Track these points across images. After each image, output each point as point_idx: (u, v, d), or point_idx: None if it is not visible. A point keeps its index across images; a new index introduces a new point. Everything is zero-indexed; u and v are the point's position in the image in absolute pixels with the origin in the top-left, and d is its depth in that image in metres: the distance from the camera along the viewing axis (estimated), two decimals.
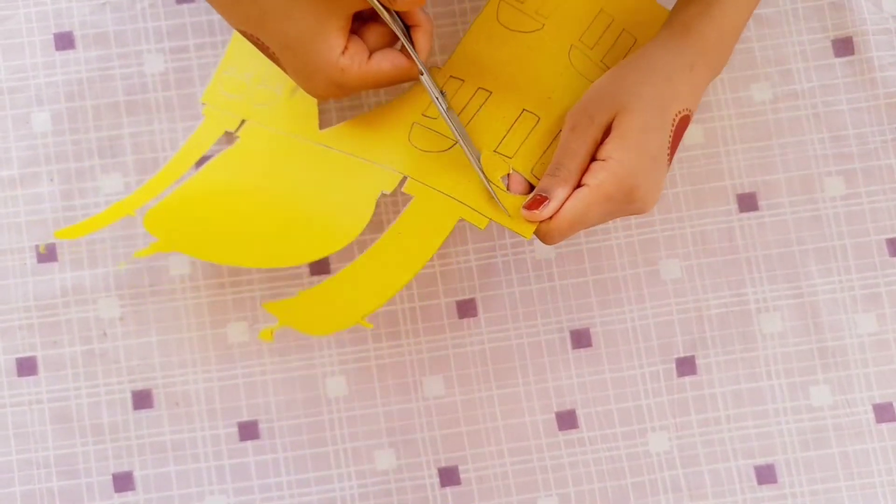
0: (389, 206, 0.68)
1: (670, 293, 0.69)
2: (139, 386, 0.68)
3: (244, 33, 0.57)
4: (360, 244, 0.63)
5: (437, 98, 0.57)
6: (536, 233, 0.56)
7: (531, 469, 0.68)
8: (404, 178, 0.60)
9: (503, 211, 0.57)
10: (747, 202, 0.70)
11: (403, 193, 0.61)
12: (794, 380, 0.68)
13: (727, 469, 0.68)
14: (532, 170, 0.59)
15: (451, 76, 0.62)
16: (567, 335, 0.69)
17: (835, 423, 0.68)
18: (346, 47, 0.55)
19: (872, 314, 0.69)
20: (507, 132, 0.59)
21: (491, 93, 0.61)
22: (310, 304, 0.61)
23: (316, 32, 0.54)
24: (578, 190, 0.55)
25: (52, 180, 0.69)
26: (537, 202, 0.55)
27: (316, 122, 0.65)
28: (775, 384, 0.68)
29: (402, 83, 0.58)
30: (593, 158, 0.55)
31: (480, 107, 0.60)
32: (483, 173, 0.57)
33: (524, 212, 0.56)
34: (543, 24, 0.64)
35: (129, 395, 0.68)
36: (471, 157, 0.57)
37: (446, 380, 0.69)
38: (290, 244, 0.62)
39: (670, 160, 0.57)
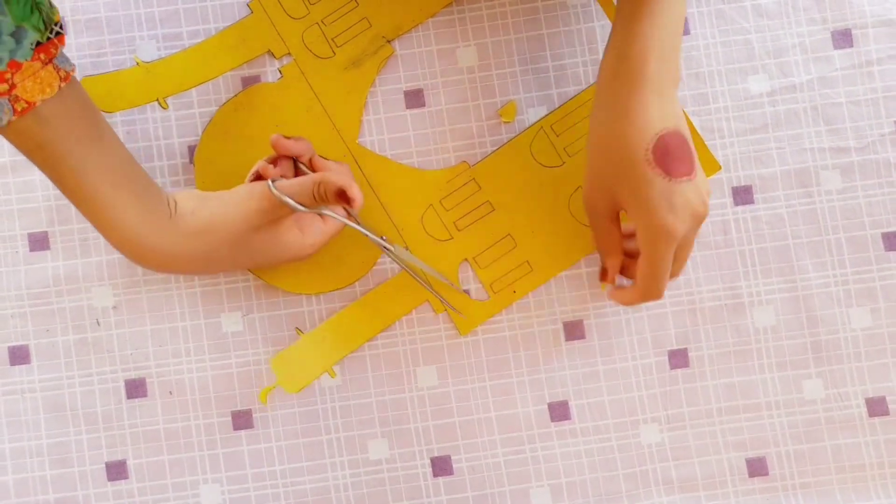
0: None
1: None
2: (133, 375, 0.68)
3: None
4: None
5: (386, 249, 0.66)
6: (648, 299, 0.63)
7: (523, 459, 0.68)
8: (405, 248, 0.69)
9: (460, 308, 0.69)
10: (743, 195, 0.69)
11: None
12: (786, 373, 0.69)
13: (718, 461, 0.68)
14: (491, 284, 0.69)
15: (473, 178, 0.69)
16: (560, 327, 0.69)
17: (827, 417, 0.68)
18: (302, 233, 0.64)
19: (867, 308, 0.69)
20: (488, 248, 0.69)
21: (493, 210, 0.69)
22: (292, 358, 0.68)
23: (279, 250, 0.63)
24: (639, 263, 0.60)
25: None
26: (603, 272, 0.66)
27: (358, 126, 0.69)
28: (768, 377, 0.69)
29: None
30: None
31: (480, 218, 0.69)
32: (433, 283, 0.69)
33: (608, 287, 0.65)
34: (564, 163, 0.69)
35: (122, 384, 0.68)
36: (426, 287, 0.68)
37: (440, 370, 0.69)
38: (301, 270, 0.69)
39: (675, 173, 0.58)
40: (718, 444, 0.68)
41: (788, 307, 0.69)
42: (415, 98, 0.70)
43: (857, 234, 0.69)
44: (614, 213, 0.62)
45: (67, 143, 0.57)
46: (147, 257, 0.60)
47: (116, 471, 0.68)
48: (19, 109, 0.55)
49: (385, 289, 0.69)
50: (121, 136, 0.69)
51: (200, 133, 0.69)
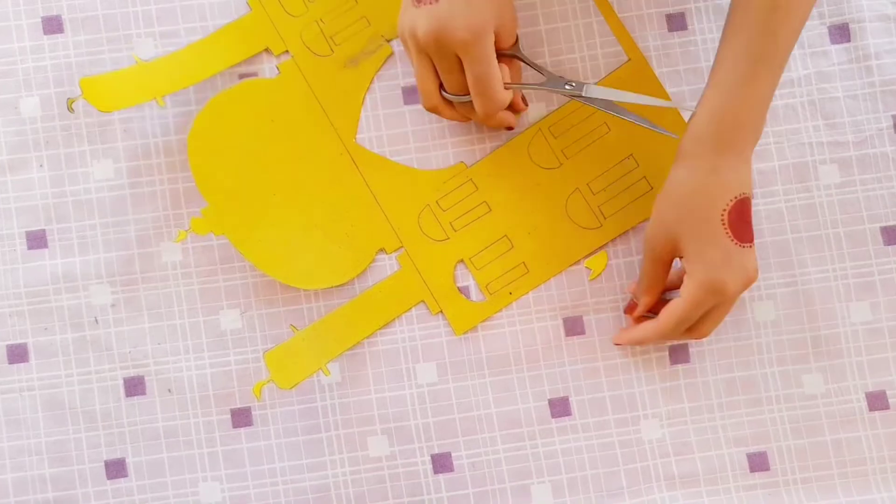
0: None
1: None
2: (131, 373, 0.68)
3: None
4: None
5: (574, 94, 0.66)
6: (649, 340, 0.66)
7: (524, 456, 0.68)
8: (401, 248, 0.69)
9: (457, 310, 0.69)
10: None
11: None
12: (787, 368, 0.69)
13: (719, 456, 0.68)
14: (487, 286, 0.69)
15: (470, 179, 0.69)
16: (560, 323, 0.69)
17: (827, 412, 0.68)
18: None
19: (866, 303, 0.69)
20: (484, 249, 0.69)
21: (490, 210, 0.69)
22: (287, 353, 0.68)
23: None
24: (673, 301, 0.63)
25: (41, 166, 0.69)
26: (631, 307, 0.67)
27: (356, 124, 0.69)
28: (768, 372, 0.68)
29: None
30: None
31: (477, 218, 0.69)
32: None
33: (626, 315, 0.68)
34: (561, 164, 0.69)
35: (121, 382, 0.68)
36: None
37: (439, 367, 0.68)
38: (299, 265, 0.68)
39: (742, 239, 0.60)
40: (719, 439, 0.68)
41: (788, 302, 0.69)
42: (413, 94, 0.70)
43: (856, 228, 0.69)
44: (671, 257, 0.63)
45: None
46: None
47: (115, 469, 0.67)
48: None
49: (382, 288, 0.69)
50: (118, 134, 0.69)
51: None
